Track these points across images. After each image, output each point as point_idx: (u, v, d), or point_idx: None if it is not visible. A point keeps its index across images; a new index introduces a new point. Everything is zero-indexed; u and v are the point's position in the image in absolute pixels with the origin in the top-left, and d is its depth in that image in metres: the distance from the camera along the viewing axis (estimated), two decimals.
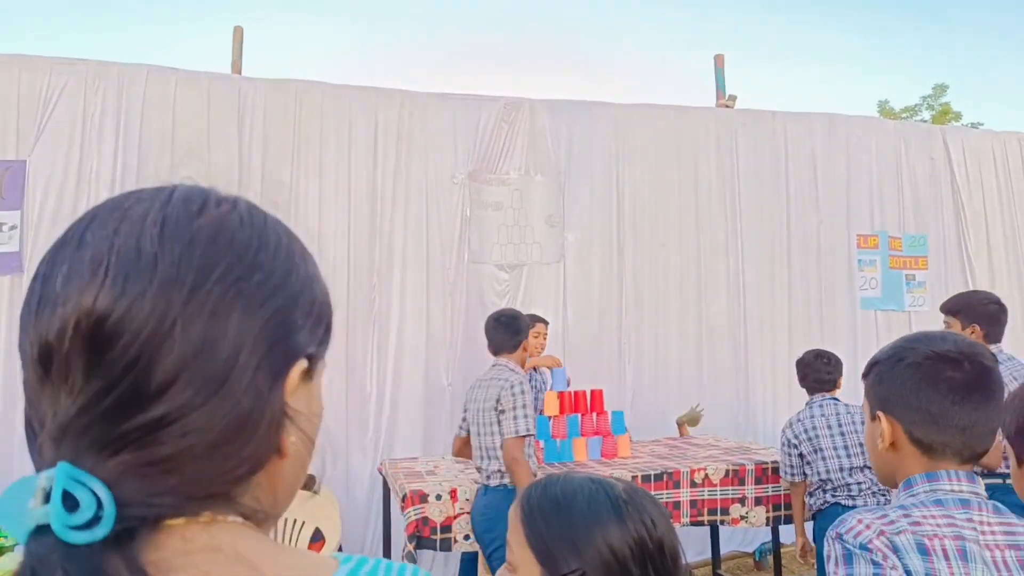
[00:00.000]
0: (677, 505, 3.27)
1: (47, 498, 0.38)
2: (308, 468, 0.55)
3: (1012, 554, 1.00)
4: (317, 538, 3.48)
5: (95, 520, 0.38)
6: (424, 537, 3.05)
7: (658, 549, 0.92)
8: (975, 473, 1.09)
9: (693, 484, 3.30)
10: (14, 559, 0.44)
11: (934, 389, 1.08)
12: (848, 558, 1.02)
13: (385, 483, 3.76)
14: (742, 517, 3.36)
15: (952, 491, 1.06)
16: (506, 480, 2.90)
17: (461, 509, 3.09)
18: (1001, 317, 2.91)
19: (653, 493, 3.24)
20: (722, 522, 3.39)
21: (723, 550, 4.31)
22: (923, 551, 0.99)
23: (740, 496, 3.36)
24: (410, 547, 3.03)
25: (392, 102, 4.55)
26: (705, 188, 5.10)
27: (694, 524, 3.34)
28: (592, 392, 3.79)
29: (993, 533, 1.02)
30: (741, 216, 5.15)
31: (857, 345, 5.20)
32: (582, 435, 3.67)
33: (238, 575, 0.43)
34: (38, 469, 0.41)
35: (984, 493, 1.08)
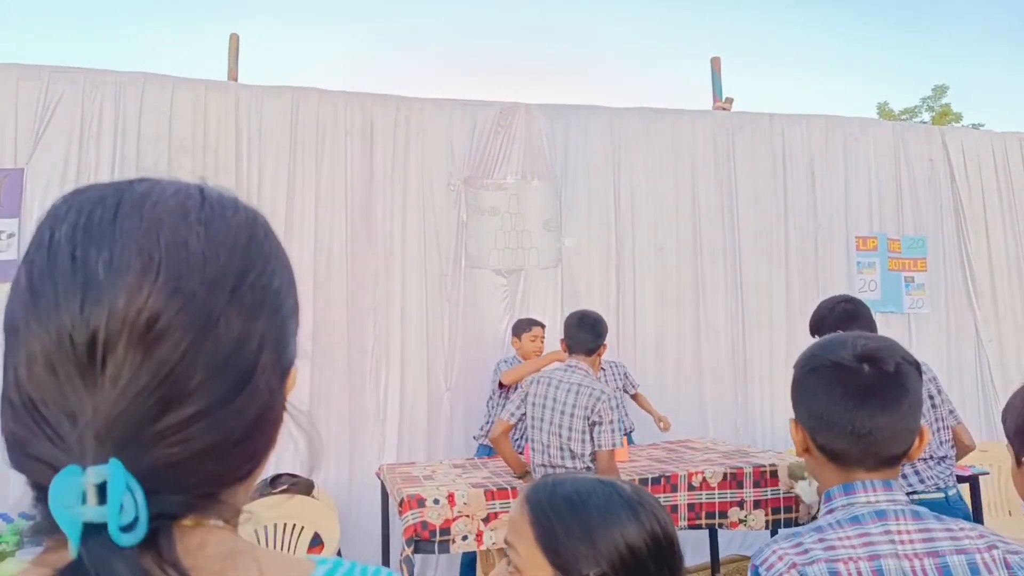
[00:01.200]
0: (675, 509, 3.26)
1: (94, 496, 0.38)
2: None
3: (931, 562, 1.00)
4: (316, 543, 3.48)
5: (135, 521, 0.39)
6: (423, 540, 3.04)
7: (669, 545, 0.93)
8: (892, 481, 1.08)
9: (691, 488, 3.29)
10: (16, 563, 0.43)
11: (828, 395, 1.08)
12: None
13: (383, 487, 3.75)
14: (741, 520, 3.35)
15: (868, 503, 1.06)
16: None
17: (459, 512, 3.08)
18: (856, 316, 2.82)
19: None
20: (720, 525, 3.38)
21: (722, 554, 4.29)
22: None
23: (739, 499, 3.34)
24: (408, 551, 3.02)
25: (388, 107, 4.57)
26: (703, 191, 5.10)
27: (692, 528, 3.33)
28: None
29: (912, 542, 1.02)
30: (739, 219, 5.15)
31: None
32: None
33: (216, 575, 0.44)
34: (51, 455, 0.40)
35: (903, 499, 1.07)
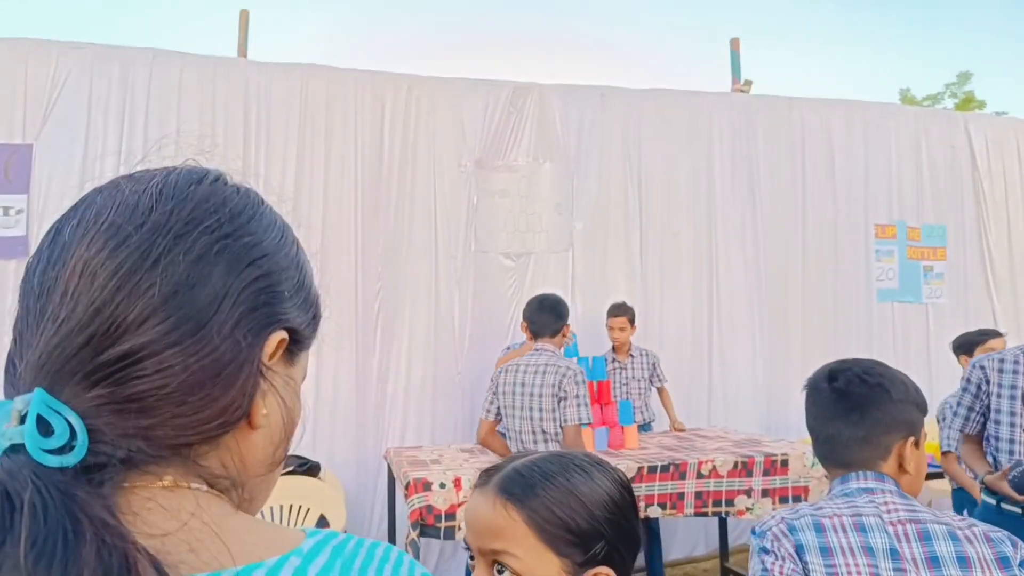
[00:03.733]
0: (681, 496, 3.23)
1: (22, 421, 0.40)
2: (288, 449, 0.54)
3: (913, 527, 1.12)
4: (322, 524, 3.47)
5: (68, 447, 0.40)
6: (428, 525, 3.02)
7: (630, 492, 0.94)
8: (885, 475, 1.21)
9: (700, 475, 3.25)
10: None
11: (807, 409, 1.32)
12: (751, 554, 1.19)
13: (390, 470, 3.75)
14: (748, 509, 3.31)
15: (859, 486, 1.20)
16: None
17: (465, 497, 3.06)
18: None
19: (658, 484, 3.18)
20: (727, 513, 3.35)
21: (732, 543, 4.26)
22: (819, 528, 1.13)
23: (747, 488, 3.31)
24: (413, 535, 3.01)
25: (399, 87, 4.50)
26: (719, 176, 5.02)
27: (698, 515, 3.30)
28: (599, 383, 3.74)
29: (897, 511, 1.14)
30: (756, 204, 5.06)
31: (872, 337, 5.12)
32: (589, 425, 3.62)
33: (200, 540, 0.43)
34: (10, 398, 0.42)
35: (892, 488, 1.18)
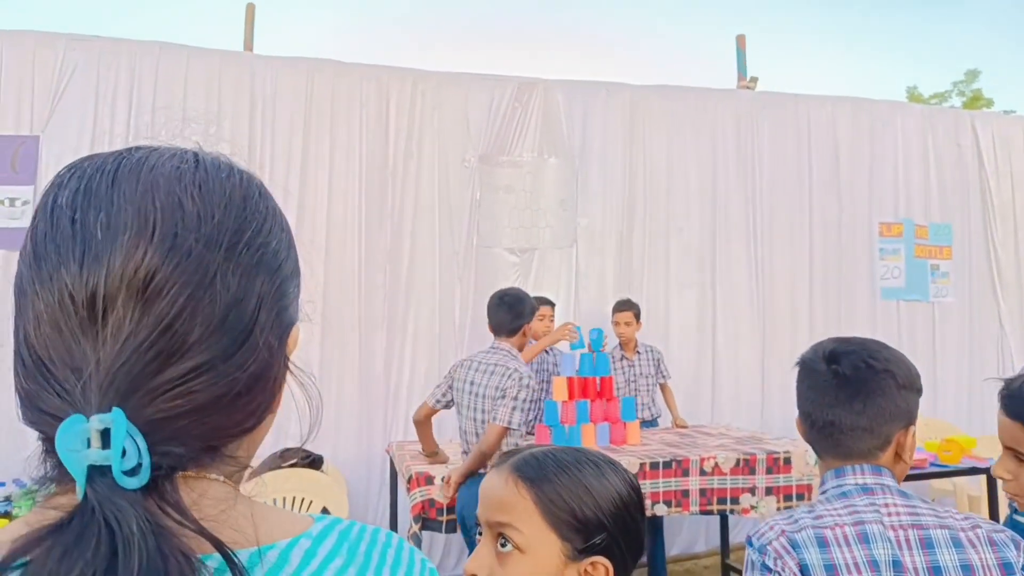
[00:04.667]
0: (686, 493, 3.23)
1: (100, 441, 0.40)
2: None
3: (915, 533, 1.06)
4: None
5: (138, 467, 0.41)
6: (430, 519, 3.03)
7: (639, 494, 0.96)
8: (883, 468, 1.15)
9: (703, 473, 3.25)
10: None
11: (801, 390, 1.22)
12: (749, 566, 1.12)
13: (392, 464, 3.75)
14: (752, 507, 3.31)
15: (856, 483, 1.13)
16: None
17: None
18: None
19: (662, 481, 3.17)
20: (731, 511, 3.35)
21: (733, 540, 4.26)
22: (822, 543, 1.06)
23: (750, 486, 3.30)
24: (415, 528, 3.02)
25: (404, 81, 4.50)
26: (724, 172, 5.00)
27: (703, 513, 3.30)
28: (602, 379, 3.74)
29: (898, 515, 1.08)
30: (761, 202, 5.05)
31: (877, 336, 5.07)
32: (591, 421, 3.63)
33: (219, 526, 0.44)
34: (56, 408, 0.42)
35: (893, 484, 1.13)
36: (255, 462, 0.54)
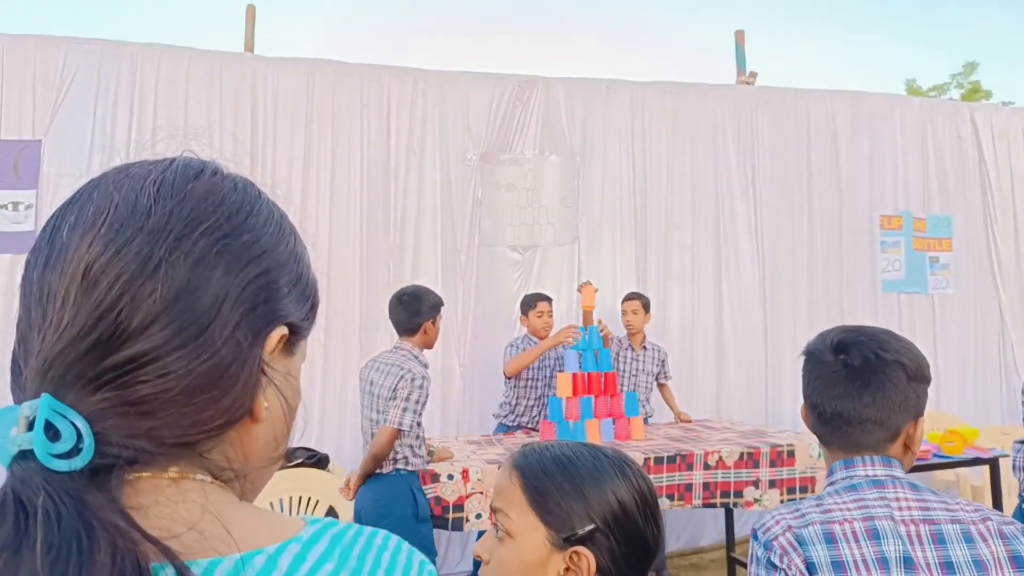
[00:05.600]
0: (689, 487, 3.24)
1: (30, 427, 0.40)
2: (288, 442, 0.55)
3: (926, 528, 1.04)
4: (331, 516, 3.50)
5: (75, 451, 0.40)
6: (436, 516, 3.05)
7: (655, 502, 0.97)
8: (892, 459, 1.13)
9: (707, 467, 3.27)
10: None
11: (807, 380, 1.19)
12: (753, 560, 1.11)
13: None
14: (756, 500, 3.33)
15: (867, 475, 1.11)
16: (399, 465, 2.80)
17: (473, 489, 3.08)
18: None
19: (666, 475, 3.18)
20: (735, 505, 3.36)
21: (738, 534, 4.28)
22: (829, 539, 1.04)
23: (754, 479, 3.32)
24: None
25: (405, 81, 4.51)
26: (724, 168, 5.02)
27: (706, 506, 3.31)
28: (606, 375, 3.76)
29: (909, 509, 1.06)
30: (761, 196, 5.06)
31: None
32: (595, 417, 3.64)
33: (206, 528, 0.44)
34: (19, 402, 0.43)
35: (901, 476, 1.11)
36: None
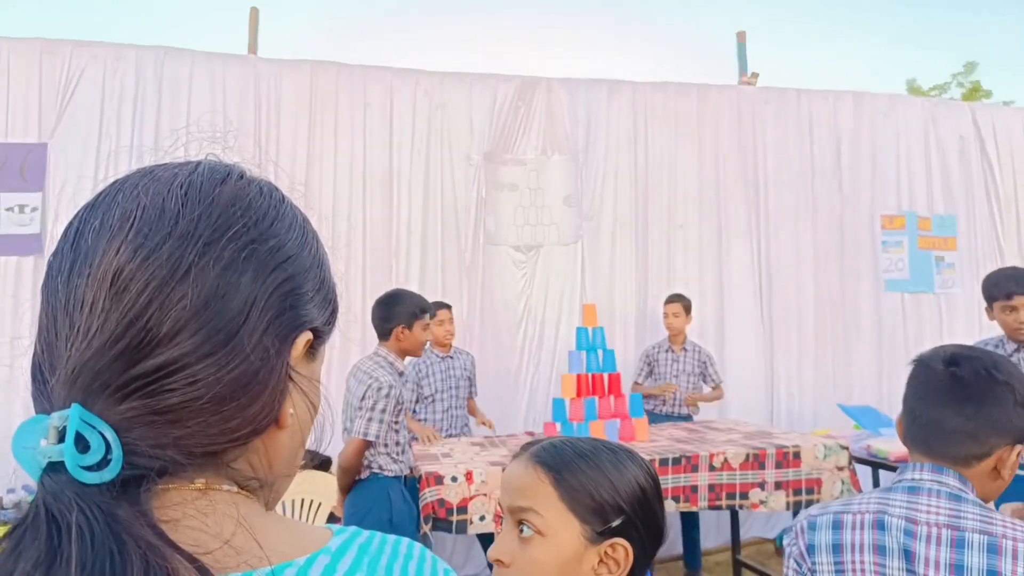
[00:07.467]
0: (695, 489, 3.23)
1: (60, 437, 0.40)
2: (306, 445, 0.55)
3: (948, 532, 1.05)
4: (334, 519, 3.50)
5: (104, 462, 0.40)
6: (440, 519, 3.04)
7: (656, 481, 0.99)
8: (945, 468, 1.12)
9: (712, 468, 3.26)
10: None
11: (911, 386, 1.19)
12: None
13: None
14: (761, 502, 3.32)
15: (913, 480, 1.13)
16: (374, 468, 2.77)
17: (477, 490, 3.08)
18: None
19: (671, 477, 3.16)
20: (741, 506, 3.35)
21: (744, 536, 4.27)
22: (837, 526, 1.12)
23: (760, 481, 3.31)
24: (425, 528, 3.03)
25: (408, 81, 4.52)
26: (726, 168, 5.01)
27: (712, 508, 3.30)
28: (609, 376, 3.75)
29: (936, 513, 1.07)
30: (763, 196, 5.05)
31: (883, 328, 5.10)
32: (599, 418, 3.64)
33: (238, 542, 0.44)
34: (42, 411, 0.42)
35: (952, 485, 1.10)
36: None
